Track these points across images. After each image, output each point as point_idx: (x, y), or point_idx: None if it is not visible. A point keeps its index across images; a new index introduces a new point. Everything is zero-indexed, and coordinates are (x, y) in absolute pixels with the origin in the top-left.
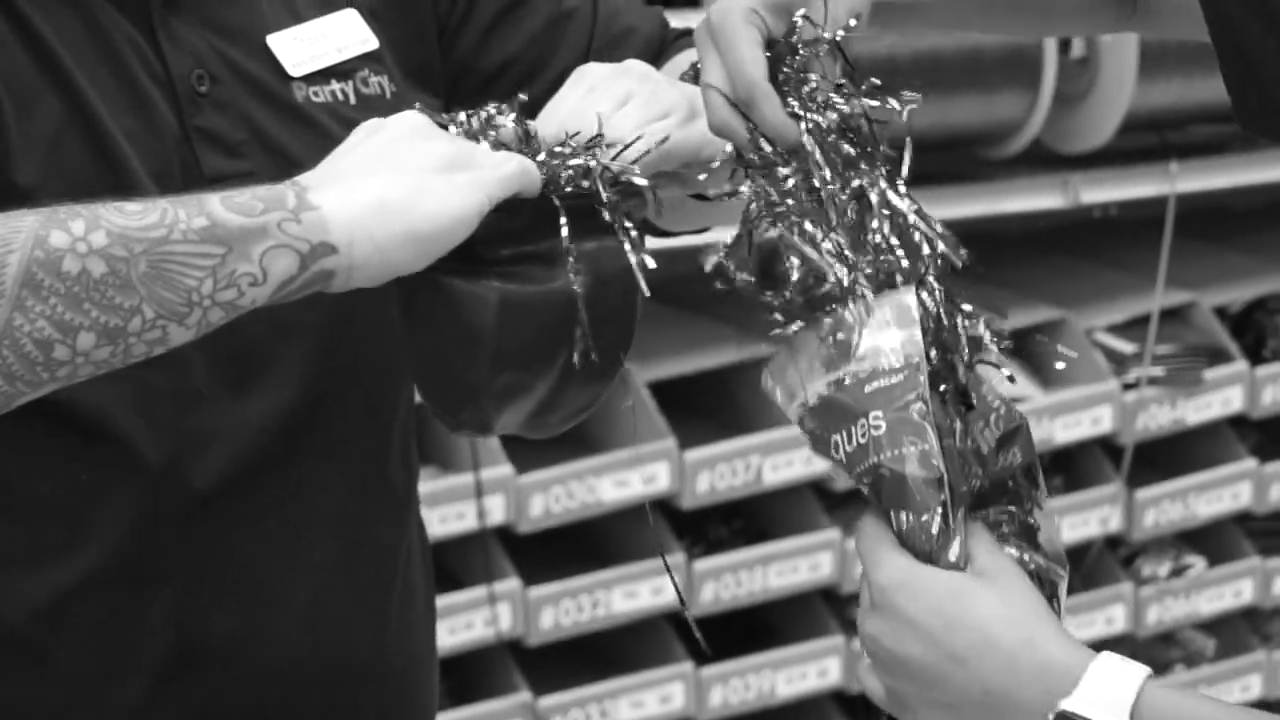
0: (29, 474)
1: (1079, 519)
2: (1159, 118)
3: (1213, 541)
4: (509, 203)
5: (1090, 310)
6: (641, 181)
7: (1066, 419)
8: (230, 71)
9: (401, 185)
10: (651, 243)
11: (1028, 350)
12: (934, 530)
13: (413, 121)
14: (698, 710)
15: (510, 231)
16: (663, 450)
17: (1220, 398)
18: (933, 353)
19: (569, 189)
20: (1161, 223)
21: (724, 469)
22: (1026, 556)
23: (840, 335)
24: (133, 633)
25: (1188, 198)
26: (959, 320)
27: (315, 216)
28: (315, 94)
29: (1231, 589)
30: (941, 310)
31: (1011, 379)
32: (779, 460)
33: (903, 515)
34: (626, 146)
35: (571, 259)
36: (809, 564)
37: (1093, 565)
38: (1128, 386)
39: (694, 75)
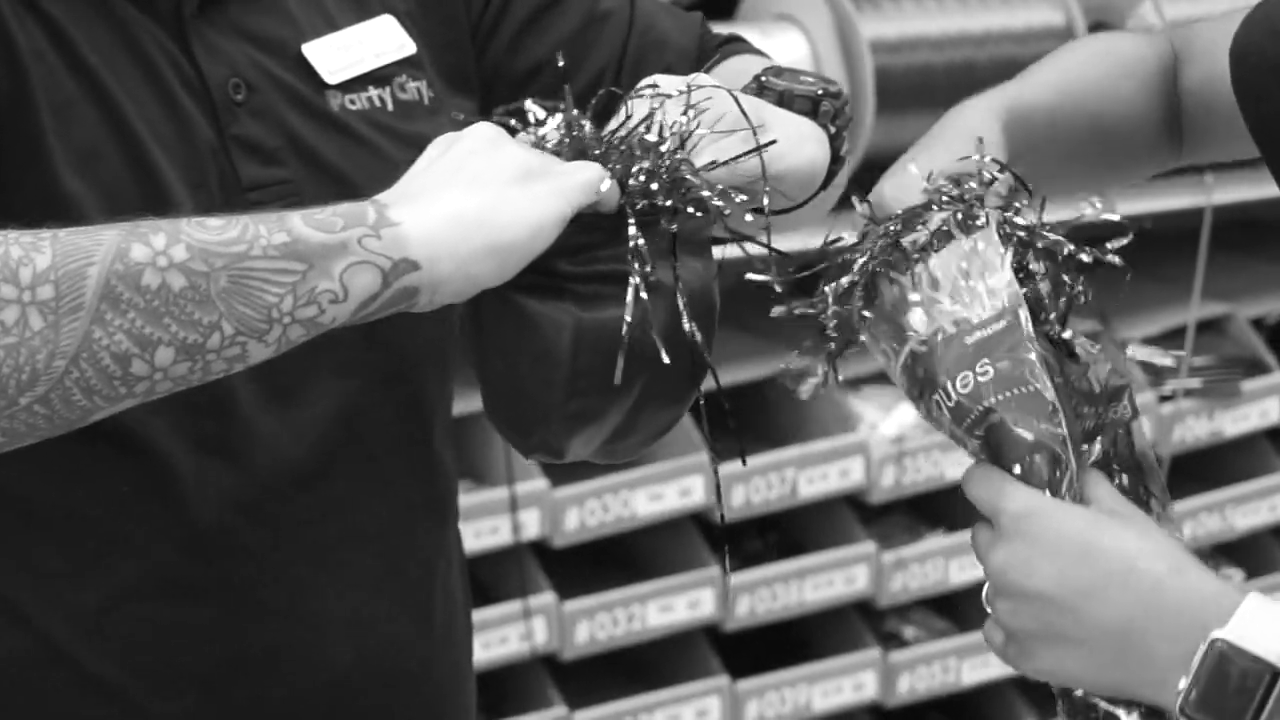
0: (65, 487)
1: None
2: None
3: (1250, 554)
4: (587, 216)
5: (1126, 322)
6: (739, 198)
7: None
8: (266, 80)
9: (479, 197)
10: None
11: None
12: (1056, 465)
13: (485, 133)
14: None
15: (587, 244)
16: (698, 463)
17: (1258, 409)
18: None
19: (642, 203)
20: (1197, 235)
21: (759, 482)
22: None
23: (929, 288)
24: (174, 646)
25: (1224, 209)
26: (1044, 260)
27: (395, 232)
28: (351, 101)
29: None
30: (1026, 246)
31: (1129, 346)
32: (814, 473)
33: (1016, 466)
34: (714, 165)
35: (634, 282)
36: (844, 577)
37: None
38: (1164, 398)
39: (757, 88)
